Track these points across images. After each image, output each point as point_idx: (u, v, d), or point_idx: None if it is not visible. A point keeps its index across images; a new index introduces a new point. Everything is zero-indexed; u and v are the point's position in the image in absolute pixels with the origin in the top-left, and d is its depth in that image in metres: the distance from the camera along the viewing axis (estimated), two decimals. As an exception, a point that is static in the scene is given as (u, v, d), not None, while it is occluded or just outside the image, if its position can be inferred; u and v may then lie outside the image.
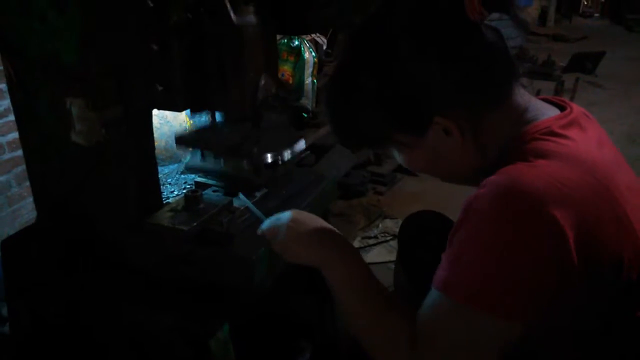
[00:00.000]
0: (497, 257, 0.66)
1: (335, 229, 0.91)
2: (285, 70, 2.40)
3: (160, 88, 0.95)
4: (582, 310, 0.72)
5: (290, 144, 1.20)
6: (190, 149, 1.20)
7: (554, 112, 0.80)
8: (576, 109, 0.80)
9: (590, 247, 0.67)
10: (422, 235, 1.21)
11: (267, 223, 0.93)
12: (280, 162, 1.16)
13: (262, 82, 1.01)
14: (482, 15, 0.71)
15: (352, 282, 0.82)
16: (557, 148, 0.72)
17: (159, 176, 1.15)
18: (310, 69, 2.43)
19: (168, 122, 1.54)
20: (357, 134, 0.84)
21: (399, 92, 0.75)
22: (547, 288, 0.67)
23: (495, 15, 0.74)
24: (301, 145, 1.25)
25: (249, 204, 1.04)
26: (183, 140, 1.05)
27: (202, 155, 1.21)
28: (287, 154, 1.19)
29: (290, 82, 2.41)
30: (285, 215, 0.91)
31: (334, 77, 0.84)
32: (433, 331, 0.71)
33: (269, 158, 1.14)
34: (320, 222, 0.91)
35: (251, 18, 0.95)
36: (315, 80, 2.45)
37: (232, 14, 0.92)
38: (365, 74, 0.77)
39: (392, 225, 2.33)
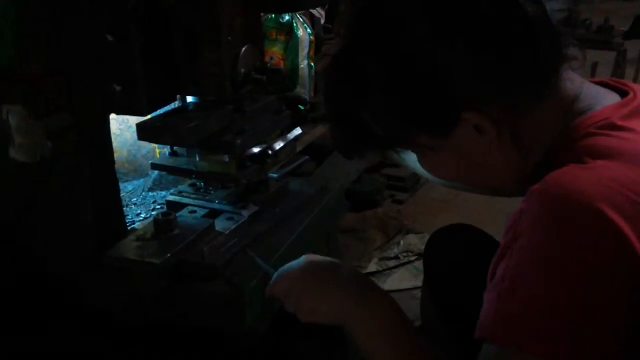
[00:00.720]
0: (557, 291, 0.65)
1: (361, 273, 0.93)
2: (275, 52, 2.41)
3: (118, 88, 0.96)
4: None
5: (282, 132, 1.22)
6: (157, 147, 1.21)
7: (613, 98, 0.79)
8: None
9: None
10: (456, 257, 1.21)
11: (275, 278, 0.95)
12: (269, 155, 1.17)
13: (244, 51, 1.02)
14: None
15: (385, 339, 0.84)
16: (619, 144, 0.71)
17: (122, 195, 1.16)
18: (306, 50, 2.43)
19: (130, 127, 1.54)
20: (365, 136, 0.84)
21: (417, 82, 0.74)
22: (624, 322, 0.66)
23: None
24: (297, 133, 1.27)
25: (255, 257, 1.06)
26: (145, 130, 1.03)
27: (172, 150, 1.22)
28: (278, 146, 1.21)
29: (282, 66, 2.41)
30: (297, 265, 0.93)
31: (334, 64, 0.84)
32: None
33: (256, 150, 1.15)
34: (341, 268, 0.93)
35: None
36: (312, 64, 2.46)
37: None
38: (374, 59, 0.77)
39: (417, 242, 2.33)
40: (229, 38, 0.99)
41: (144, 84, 0.97)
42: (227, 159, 1.13)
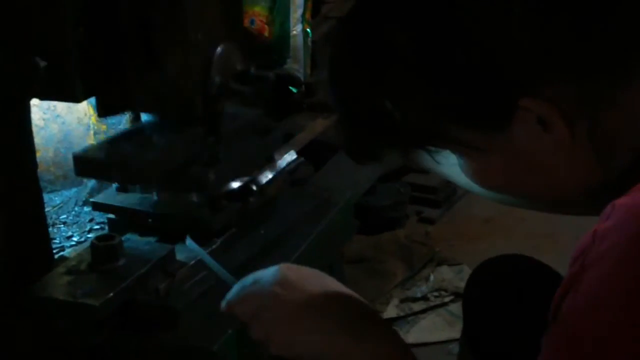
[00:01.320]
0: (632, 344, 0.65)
1: (350, 291, 0.93)
2: (257, 13, 2.42)
3: (42, 63, 0.96)
4: None
5: (270, 160, 1.22)
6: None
7: None
8: None
9: None
10: (506, 299, 1.21)
11: (237, 289, 0.94)
12: (253, 191, 1.18)
13: (219, 53, 1.02)
14: None
15: None
16: None
17: (47, 211, 1.16)
18: (300, 11, 2.45)
19: (58, 116, 1.56)
20: (386, 131, 0.84)
21: (461, 57, 0.75)
22: None
23: None
24: (290, 158, 1.28)
25: (204, 255, 1.05)
26: (86, 163, 1.05)
27: (120, 185, 1.22)
28: (264, 177, 1.21)
29: (267, 34, 2.43)
30: (269, 275, 0.92)
31: (344, 33, 0.85)
32: None
33: (235, 187, 1.16)
34: (326, 282, 0.93)
35: None
36: (308, 30, 2.47)
37: None
38: (401, 26, 0.78)
39: (453, 276, 2.34)
40: (199, 36, 1.01)
41: (77, 59, 0.98)
42: (195, 199, 1.15)
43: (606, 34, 0.74)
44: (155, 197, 1.17)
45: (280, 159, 1.26)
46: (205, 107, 1.04)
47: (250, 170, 1.19)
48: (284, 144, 1.29)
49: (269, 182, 1.22)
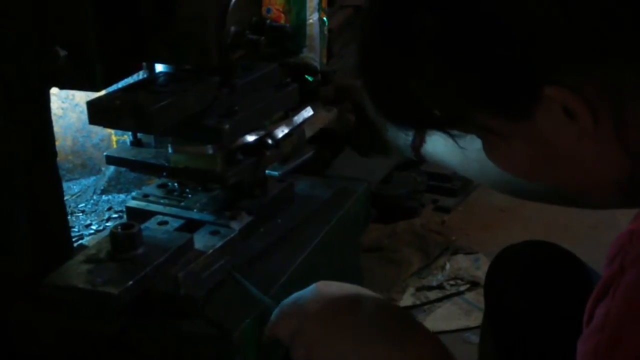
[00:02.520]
0: None
1: (388, 301, 0.93)
2: (274, 2, 2.42)
3: (63, 53, 0.96)
4: None
5: (287, 113, 1.23)
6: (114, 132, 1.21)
7: None
8: None
9: None
10: (531, 289, 1.20)
11: (277, 312, 0.96)
12: (269, 145, 1.17)
13: (235, 2, 1.02)
14: None
15: None
16: None
17: (66, 199, 1.16)
18: (317, 0, 2.44)
19: (77, 105, 1.56)
20: (415, 115, 0.84)
21: (488, 41, 0.74)
22: None
23: None
24: (306, 114, 1.28)
25: (244, 283, 1.07)
26: (99, 110, 1.03)
27: (134, 138, 1.23)
28: (280, 132, 1.21)
29: (283, 22, 2.42)
30: (308, 296, 0.94)
31: (369, 18, 0.85)
32: None
33: (250, 139, 1.15)
34: (370, 300, 0.94)
35: None
36: (325, 18, 2.47)
37: None
38: (425, 8, 0.77)
39: (468, 265, 2.33)
40: None
41: (97, 48, 0.97)
42: (210, 151, 1.14)
43: (630, 24, 0.73)
44: (170, 151, 1.17)
45: (295, 114, 1.26)
46: (220, 56, 1.03)
47: (265, 123, 1.20)
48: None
49: (285, 136, 1.22)
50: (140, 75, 1.12)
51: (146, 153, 1.21)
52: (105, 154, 1.26)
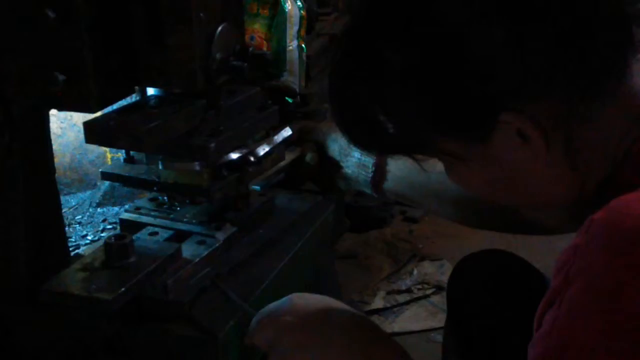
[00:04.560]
0: (619, 352, 0.64)
1: (358, 313, 0.95)
2: (257, 30, 2.42)
3: (61, 77, 0.95)
4: None
5: (268, 133, 1.22)
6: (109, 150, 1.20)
7: None
8: None
9: None
10: (488, 293, 1.21)
11: (255, 322, 0.96)
12: (250, 162, 1.17)
13: (220, 32, 1.02)
14: None
15: None
16: None
17: (63, 212, 1.16)
18: (296, 28, 2.44)
19: (74, 125, 1.55)
20: (381, 139, 0.84)
21: (447, 73, 0.75)
22: None
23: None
24: (285, 134, 1.28)
25: (227, 292, 1.07)
26: (94, 130, 1.02)
27: (128, 155, 1.22)
28: (261, 150, 1.21)
29: (265, 48, 2.42)
30: (282, 308, 0.94)
31: (339, 50, 0.85)
32: None
33: (234, 157, 1.15)
34: (339, 311, 0.94)
35: None
36: (303, 45, 2.47)
37: None
38: (389, 43, 0.77)
39: (434, 270, 2.33)
40: (201, 15, 1.00)
41: (93, 73, 0.97)
42: (197, 167, 1.14)
43: (581, 58, 0.74)
44: (160, 167, 1.16)
45: (275, 133, 1.26)
46: (206, 82, 1.03)
47: (248, 142, 1.19)
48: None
49: (266, 154, 1.22)
50: (133, 98, 1.12)
51: (138, 169, 1.21)
52: (100, 170, 1.26)
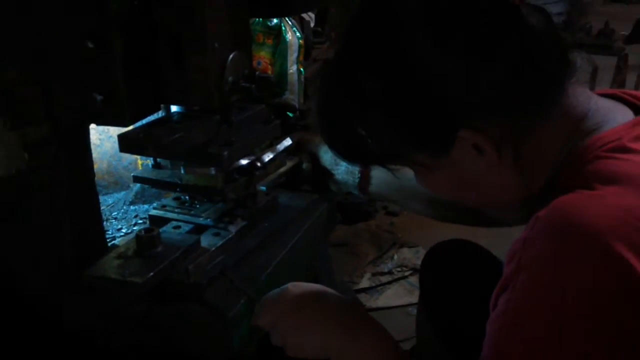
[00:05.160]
0: (560, 328, 0.65)
1: (345, 298, 0.94)
2: (263, 57, 2.41)
3: (99, 97, 0.95)
4: None
5: (271, 143, 1.22)
6: (140, 158, 1.20)
7: (625, 115, 0.79)
8: None
9: None
10: (454, 273, 1.21)
11: (259, 307, 0.96)
12: (257, 167, 1.17)
13: (231, 58, 1.01)
14: None
15: None
16: (629, 169, 0.70)
17: (102, 209, 1.15)
18: (295, 54, 2.44)
19: (111, 137, 1.54)
20: (362, 152, 0.84)
21: (413, 98, 0.75)
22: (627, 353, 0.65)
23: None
24: (286, 143, 1.28)
25: (233, 280, 1.06)
26: (127, 141, 1.03)
27: (155, 162, 1.22)
28: (267, 157, 1.21)
29: (270, 72, 2.42)
30: (280, 296, 0.94)
31: (327, 77, 0.85)
32: None
33: (244, 163, 1.15)
34: (328, 298, 0.94)
35: None
36: (302, 69, 2.46)
37: None
38: (367, 74, 0.77)
39: (411, 256, 2.33)
40: (216, 45, 0.99)
41: (126, 93, 0.96)
42: (213, 172, 1.14)
43: (526, 86, 0.74)
44: (182, 172, 1.16)
45: (278, 143, 1.26)
46: (220, 100, 1.03)
47: (255, 150, 1.19)
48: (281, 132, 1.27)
49: (270, 160, 1.22)
50: (159, 114, 1.12)
51: (164, 174, 1.20)
52: (132, 174, 1.25)
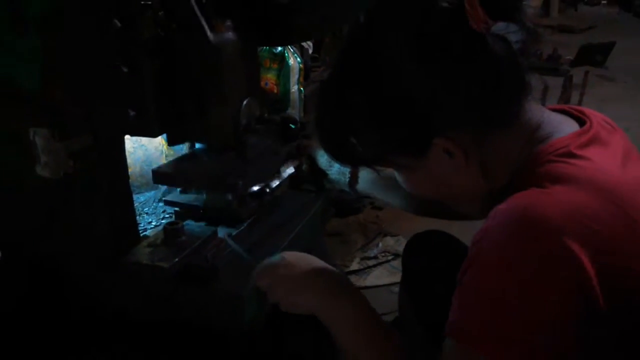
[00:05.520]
0: (510, 304, 0.65)
1: (330, 267, 0.93)
2: (269, 78, 2.42)
3: (132, 113, 0.95)
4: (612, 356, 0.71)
5: (278, 172, 1.22)
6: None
7: (571, 126, 0.79)
8: (597, 121, 0.79)
9: (615, 285, 0.66)
10: (430, 261, 1.21)
11: (256, 270, 0.95)
12: (266, 192, 1.17)
13: (245, 104, 1.01)
14: (487, 25, 0.70)
15: (353, 327, 0.84)
16: (575, 172, 0.70)
17: (135, 205, 1.15)
18: (296, 76, 2.44)
19: (142, 145, 1.54)
20: (351, 155, 0.84)
21: (394, 111, 0.75)
22: (569, 334, 0.65)
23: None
24: (290, 171, 1.27)
25: (235, 247, 1.06)
26: (160, 175, 1.05)
27: (182, 189, 1.22)
28: (274, 184, 1.21)
29: (275, 91, 2.42)
30: (277, 261, 0.93)
31: (323, 94, 0.84)
32: None
33: (255, 189, 1.16)
34: (314, 263, 0.93)
35: (229, 35, 0.96)
36: (302, 88, 2.47)
37: (208, 32, 0.92)
38: (356, 90, 0.77)
39: (393, 243, 2.33)
40: (232, 94, 1.00)
41: (154, 110, 0.97)
42: (230, 197, 1.14)
43: (488, 102, 0.74)
44: (204, 196, 1.16)
45: (284, 172, 1.25)
46: (236, 139, 1.03)
47: (265, 180, 1.18)
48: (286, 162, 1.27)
49: (277, 186, 1.21)
50: (183, 148, 1.13)
51: (189, 198, 1.20)
52: (163, 199, 1.26)
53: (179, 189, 1.21)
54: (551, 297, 0.64)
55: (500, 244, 0.67)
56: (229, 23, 0.96)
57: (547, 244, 0.64)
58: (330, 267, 0.92)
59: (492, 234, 0.68)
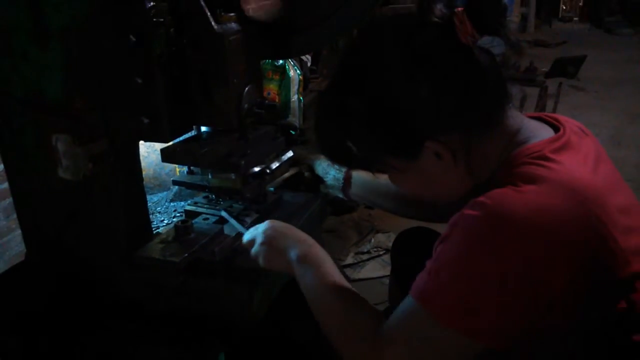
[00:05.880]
0: (472, 279, 0.68)
1: (305, 234, 0.94)
2: (271, 89, 2.41)
3: (146, 120, 0.95)
4: (571, 340, 0.72)
5: (278, 154, 1.21)
6: (177, 166, 1.19)
7: (547, 132, 0.80)
8: (570, 127, 0.80)
9: (576, 278, 0.67)
10: (417, 252, 1.20)
11: (246, 234, 0.97)
12: (267, 173, 1.17)
13: (247, 90, 1.01)
14: (474, 38, 0.71)
15: (322, 284, 0.84)
16: (547, 174, 0.71)
17: (148, 205, 1.14)
18: (296, 87, 2.44)
19: (155, 150, 1.54)
20: (348, 158, 0.84)
21: (389, 117, 0.75)
22: (523, 316, 0.67)
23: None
24: (288, 155, 1.27)
25: (230, 219, 1.05)
26: (168, 154, 1.03)
27: (189, 169, 1.21)
28: (274, 165, 1.21)
29: (277, 100, 2.42)
30: (262, 225, 0.95)
31: (321, 101, 0.84)
32: (399, 333, 0.73)
33: (256, 169, 1.15)
34: (293, 230, 0.94)
35: (232, 25, 0.96)
36: (301, 98, 2.46)
37: (212, 22, 0.92)
38: (355, 98, 0.77)
39: (384, 239, 2.33)
40: (235, 80, 0.99)
41: (166, 117, 0.96)
42: (233, 177, 1.13)
43: (476, 108, 0.75)
44: (209, 177, 1.16)
45: (283, 154, 1.25)
46: (238, 122, 1.03)
47: (265, 160, 1.18)
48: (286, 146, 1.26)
49: (277, 167, 1.21)
50: (192, 133, 1.11)
51: (196, 178, 1.19)
52: (172, 178, 1.25)
53: (185, 169, 1.21)
54: (508, 279, 0.67)
55: (471, 231, 0.69)
56: (232, 14, 0.96)
57: (512, 235, 0.67)
58: (310, 239, 0.93)
59: (466, 219, 0.70)
